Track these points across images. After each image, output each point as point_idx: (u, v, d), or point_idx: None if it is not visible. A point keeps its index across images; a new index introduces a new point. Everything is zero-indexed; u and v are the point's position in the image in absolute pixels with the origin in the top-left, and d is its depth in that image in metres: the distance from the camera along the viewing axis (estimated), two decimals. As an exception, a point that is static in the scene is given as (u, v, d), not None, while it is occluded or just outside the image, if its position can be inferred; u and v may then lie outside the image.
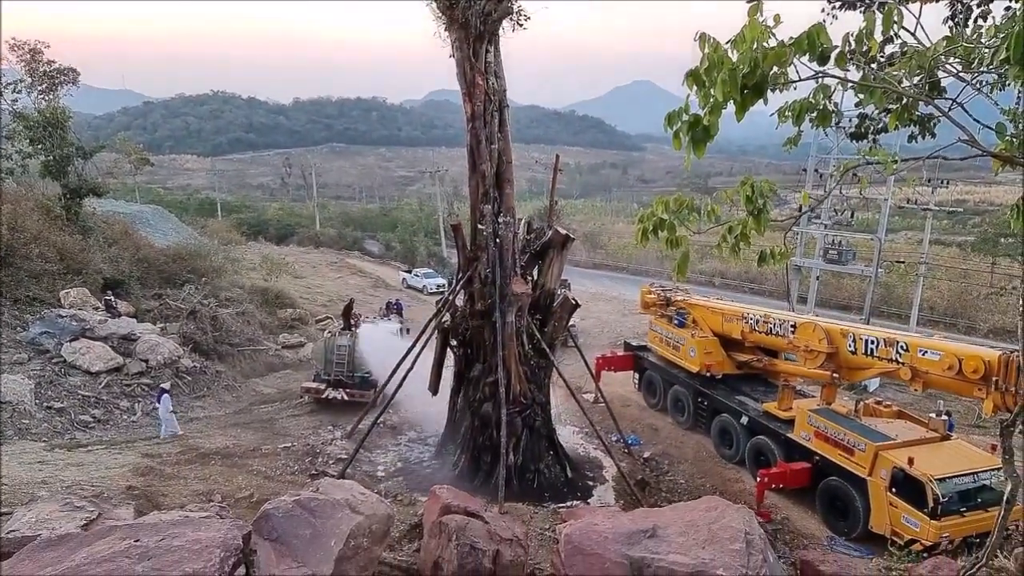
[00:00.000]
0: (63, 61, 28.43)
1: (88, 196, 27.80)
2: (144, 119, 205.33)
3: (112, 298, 24.10)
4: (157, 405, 18.31)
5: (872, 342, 14.88)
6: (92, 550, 3.95)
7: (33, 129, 25.96)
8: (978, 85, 4.24)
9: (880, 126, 6.46)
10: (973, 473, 13.63)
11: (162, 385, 19.22)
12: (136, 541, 4.07)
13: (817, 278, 31.84)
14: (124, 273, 26.22)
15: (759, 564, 3.63)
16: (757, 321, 18.31)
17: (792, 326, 16.91)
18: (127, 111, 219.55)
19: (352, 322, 23.53)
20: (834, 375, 16.10)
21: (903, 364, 14.04)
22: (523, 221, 17.72)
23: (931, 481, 13.09)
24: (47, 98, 27.73)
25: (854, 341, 15.27)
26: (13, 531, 6.24)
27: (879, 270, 28.78)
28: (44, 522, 6.37)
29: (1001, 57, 3.11)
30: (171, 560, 3.92)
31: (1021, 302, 4.94)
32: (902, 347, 14.15)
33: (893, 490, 13.77)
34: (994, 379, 12.22)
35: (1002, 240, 49.00)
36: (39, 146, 26.19)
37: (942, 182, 28.97)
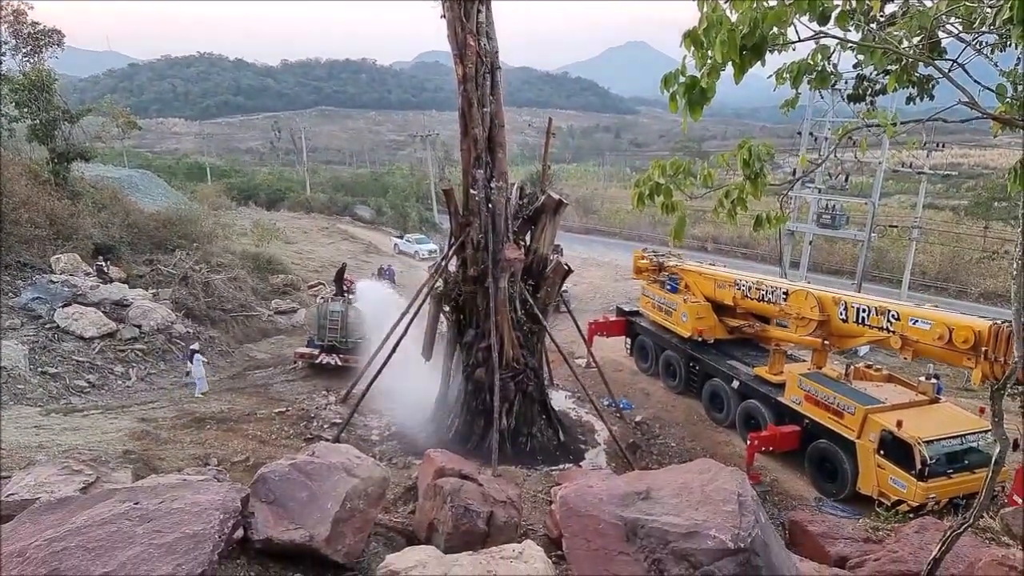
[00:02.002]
0: (47, 22, 27.84)
1: (76, 160, 27.42)
2: (130, 81, 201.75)
3: (104, 263, 23.95)
4: (190, 365, 19.04)
5: (863, 310, 14.95)
6: (92, 512, 3.98)
7: (19, 92, 25.48)
8: (978, 46, 4.20)
9: (878, 88, 6.39)
10: (960, 435, 13.85)
11: (192, 346, 19.89)
12: (136, 504, 4.10)
13: (810, 243, 31.85)
14: (114, 238, 26.00)
15: (751, 524, 3.69)
16: (749, 288, 18.37)
17: (784, 293, 16.97)
18: (113, 73, 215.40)
19: (345, 287, 23.49)
20: (825, 342, 16.23)
21: (894, 333, 14.12)
22: (515, 186, 17.58)
23: (919, 443, 13.29)
24: (32, 61, 27.17)
25: (845, 309, 15.33)
26: (12, 495, 6.27)
27: (872, 234, 28.82)
28: (43, 485, 6.40)
29: (1004, 17, 3.06)
30: (171, 522, 3.96)
31: (1016, 265, 4.95)
32: (893, 316, 14.22)
33: (881, 452, 13.99)
34: (983, 349, 12.27)
35: (995, 204, 49.05)
36: (25, 110, 25.74)
37: (937, 145, 28.85)
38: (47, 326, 19.51)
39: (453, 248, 16.84)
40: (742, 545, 3.58)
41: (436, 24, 15.66)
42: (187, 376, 19.37)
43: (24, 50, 26.96)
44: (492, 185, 15.86)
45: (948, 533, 5.41)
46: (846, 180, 30.53)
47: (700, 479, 4.12)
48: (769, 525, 4.10)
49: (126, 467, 8.99)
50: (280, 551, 6.04)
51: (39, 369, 17.75)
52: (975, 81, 3.88)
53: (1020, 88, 3.88)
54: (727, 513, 3.68)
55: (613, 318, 24.56)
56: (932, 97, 4.89)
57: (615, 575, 3.64)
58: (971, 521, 5.31)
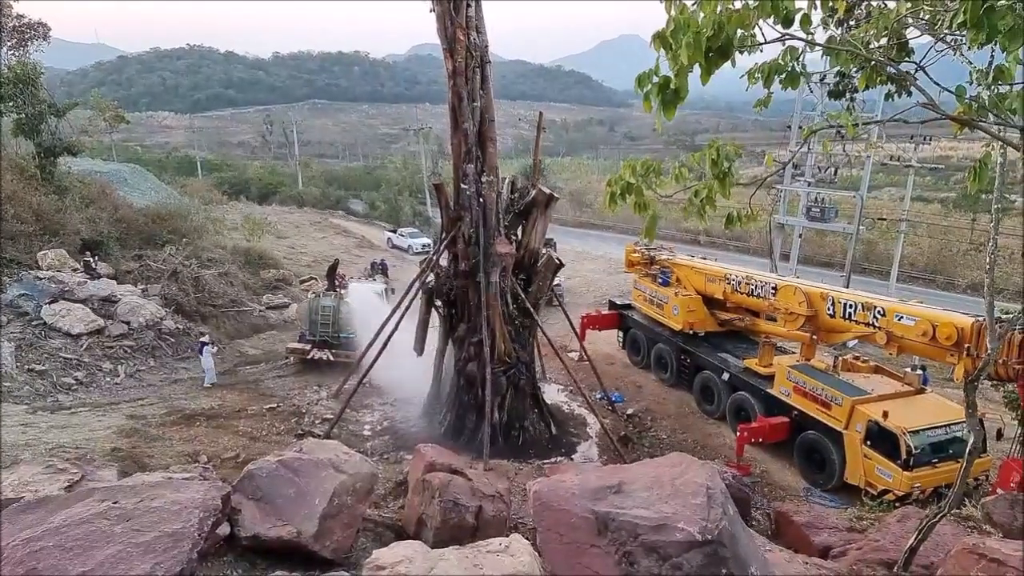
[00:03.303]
0: (33, 15, 27.63)
1: (63, 155, 27.14)
2: (119, 74, 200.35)
3: (92, 259, 23.82)
4: (200, 356, 19.61)
5: (850, 306, 15.08)
6: (71, 512, 3.99)
7: (3, 86, 25.22)
8: (953, 43, 4.24)
9: (857, 84, 6.45)
10: (945, 425, 13.99)
11: (202, 339, 20.29)
12: (115, 503, 4.12)
13: (800, 236, 31.94)
14: (102, 234, 25.80)
15: (719, 517, 3.76)
16: (739, 282, 18.47)
17: (773, 288, 17.08)
18: (101, 66, 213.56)
19: (337, 282, 23.47)
20: (813, 336, 16.36)
21: (879, 329, 14.25)
22: (507, 180, 17.63)
23: (904, 433, 13.43)
24: (17, 54, 26.93)
25: (833, 305, 15.46)
26: (-4, 493, 6.28)
27: (861, 227, 28.94)
28: (27, 484, 6.38)
29: (959, 21, 3.12)
30: (150, 521, 3.99)
31: (988, 260, 5.03)
32: (879, 312, 14.34)
33: (868, 442, 14.13)
34: (966, 346, 12.39)
35: (983, 196, 49.29)
36: (10, 104, 25.49)
37: (925, 138, 28.95)
38: (34, 323, 19.36)
39: (444, 243, 16.86)
40: (709, 537, 3.65)
41: (428, 17, 15.66)
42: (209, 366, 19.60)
43: (9, 43, 26.71)
44: (483, 180, 15.87)
45: (925, 522, 5.48)
46: (835, 173, 30.62)
47: (671, 472, 4.19)
48: (737, 517, 4.18)
49: (112, 465, 9.00)
50: (267, 548, 6.06)
51: (26, 366, 17.63)
52: (935, 83, 3.94)
53: (984, 88, 3.94)
54: (696, 506, 3.76)
55: (605, 311, 24.64)
56: (910, 93, 4.93)
57: (587, 568, 3.71)
58: (947, 510, 5.39)
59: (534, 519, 4.59)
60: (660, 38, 3.47)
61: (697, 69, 3.62)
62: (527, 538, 5.56)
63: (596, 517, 3.92)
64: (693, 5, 3.42)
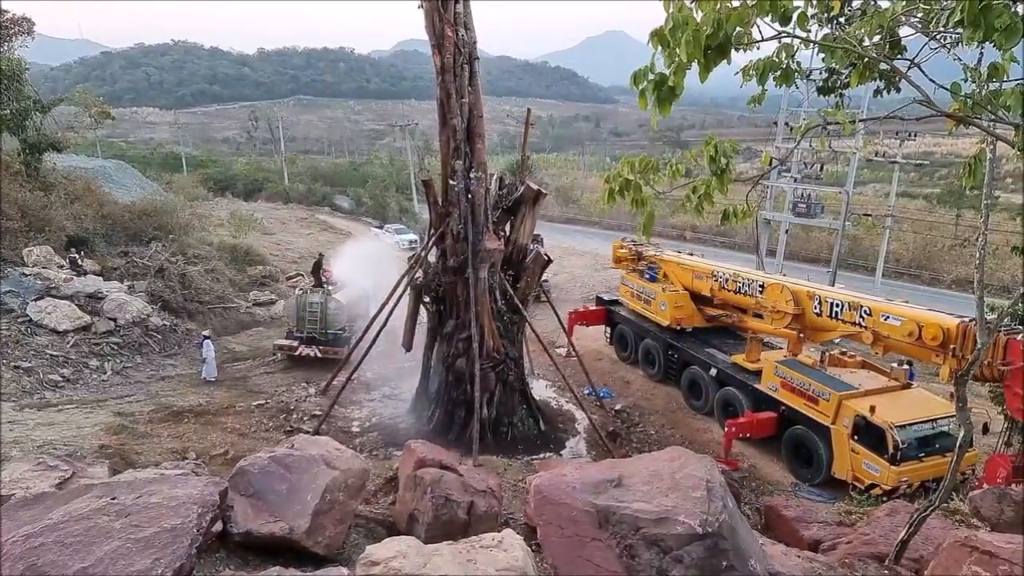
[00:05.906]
0: (16, 10, 27.22)
1: (48, 151, 26.86)
2: (103, 70, 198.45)
3: (77, 256, 23.61)
4: (201, 350, 19.86)
5: (837, 305, 15.17)
6: (69, 508, 3.98)
7: (-11, 82, 24.87)
8: (943, 40, 4.30)
9: (847, 81, 6.53)
10: (932, 420, 14.12)
11: (204, 333, 20.69)
12: (113, 499, 4.11)
13: (786, 232, 32.16)
14: (88, 230, 25.58)
15: (719, 510, 3.81)
16: (726, 279, 18.54)
17: (760, 286, 17.15)
18: (85, 61, 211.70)
19: (323, 278, 23.39)
20: (800, 334, 16.47)
21: (866, 328, 14.34)
22: (495, 176, 17.62)
23: (891, 428, 13.55)
24: (1, 49, 26.54)
25: (820, 304, 15.55)
26: (-14, 491, 6.22)
27: (847, 223, 29.20)
28: (17, 482, 6.34)
29: (955, 20, 3.18)
30: (148, 516, 3.98)
31: (978, 256, 5.10)
32: (865, 311, 14.42)
33: (855, 437, 14.25)
34: (952, 347, 12.49)
35: (967, 192, 49.82)
36: (-4, 100, 25.16)
37: (910, 135, 29.23)
38: (19, 320, 19.16)
39: (433, 239, 16.85)
40: (710, 530, 3.70)
41: (415, 14, 15.63)
42: (203, 363, 19.64)
43: (-7, 38, 26.32)
44: (471, 176, 15.87)
45: (915, 515, 5.55)
46: (821, 169, 30.86)
47: (670, 466, 4.24)
48: (736, 510, 4.24)
49: (102, 462, 8.94)
50: (260, 544, 6.04)
51: (12, 364, 17.45)
52: (931, 80, 4.00)
53: (977, 85, 4.00)
54: (696, 499, 3.80)
55: (593, 307, 24.70)
56: (899, 90, 5.00)
57: (588, 561, 3.74)
58: (937, 503, 5.46)
59: (534, 513, 4.62)
60: (658, 36, 3.50)
61: (693, 66, 3.66)
62: (519, 534, 5.59)
63: (597, 511, 3.97)
64: (691, 3, 3.45)
